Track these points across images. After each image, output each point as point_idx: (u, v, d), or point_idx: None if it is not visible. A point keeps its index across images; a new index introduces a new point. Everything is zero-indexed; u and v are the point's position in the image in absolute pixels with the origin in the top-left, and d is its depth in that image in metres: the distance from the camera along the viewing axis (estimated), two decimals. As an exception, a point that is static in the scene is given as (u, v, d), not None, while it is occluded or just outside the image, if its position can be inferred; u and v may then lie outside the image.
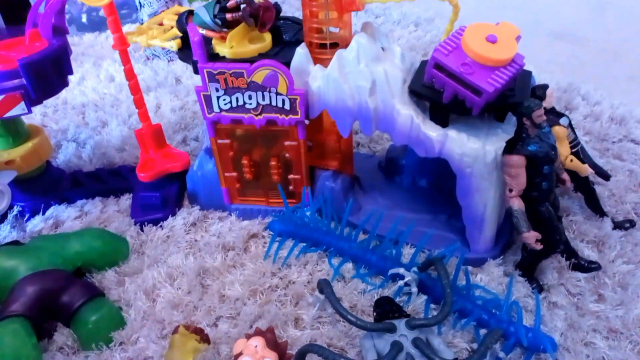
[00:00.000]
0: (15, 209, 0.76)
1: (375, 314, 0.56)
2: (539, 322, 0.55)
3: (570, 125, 0.69)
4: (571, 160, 0.67)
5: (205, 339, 0.54)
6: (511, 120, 0.63)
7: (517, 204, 0.58)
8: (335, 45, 0.63)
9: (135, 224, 0.74)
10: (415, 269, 0.60)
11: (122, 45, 0.68)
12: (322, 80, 0.62)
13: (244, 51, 0.64)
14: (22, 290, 0.57)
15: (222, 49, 0.64)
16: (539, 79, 0.70)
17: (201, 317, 0.60)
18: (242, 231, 0.71)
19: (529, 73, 0.63)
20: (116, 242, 0.68)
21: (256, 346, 0.50)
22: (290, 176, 0.71)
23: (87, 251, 0.65)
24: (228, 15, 0.62)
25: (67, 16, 0.92)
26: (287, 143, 0.68)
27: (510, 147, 0.57)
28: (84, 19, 1.55)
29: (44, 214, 0.77)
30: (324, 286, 0.56)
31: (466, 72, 0.54)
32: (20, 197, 0.77)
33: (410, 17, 1.44)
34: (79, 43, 1.39)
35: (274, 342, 0.50)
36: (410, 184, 0.77)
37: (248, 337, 0.51)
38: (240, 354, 0.49)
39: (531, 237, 0.57)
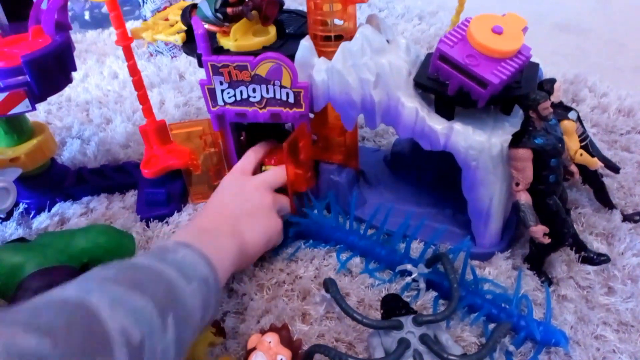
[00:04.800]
0: (21, 206, 0.76)
1: (382, 311, 0.56)
2: (550, 315, 0.55)
3: (578, 119, 0.69)
4: (581, 155, 0.67)
5: (220, 332, 0.54)
6: (518, 113, 0.62)
7: (524, 198, 0.57)
8: (339, 38, 0.62)
9: (141, 220, 0.74)
10: (422, 264, 0.60)
11: (125, 41, 0.68)
12: (327, 72, 0.61)
13: (248, 44, 0.63)
14: (29, 287, 0.57)
15: (226, 41, 0.64)
16: (544, 70, 0.69)
17: (208, 313, 0.60)
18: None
19: (536, 65, 0.62)
20: (122, 239, 0.68)
21: (270, 342, 0.49)
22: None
23: (93, 247, 0.64)
24: (229, 10, 0.62)
25: (69, 13, 0.92)
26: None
27: (517, 140, 0.57)
28: (86, 16, 1.55)
29: (49, 211, 0.77)
30: (329, 285, 0.56)
31: (471, 63, 0.54)
32: (25, 195, 0.77)
33: (413, 10, 1.44)
34: (82, 40, 1.39)
35: (288, 339, 0.50)
36: (416, 177, 0.77)
37: (263, 332, 0.51)
38: (254, 349, 0.49)
39: (539, 231, 0.57)
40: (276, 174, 0.67)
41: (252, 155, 0.69)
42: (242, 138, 0.74)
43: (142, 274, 0.42)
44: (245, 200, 0.63)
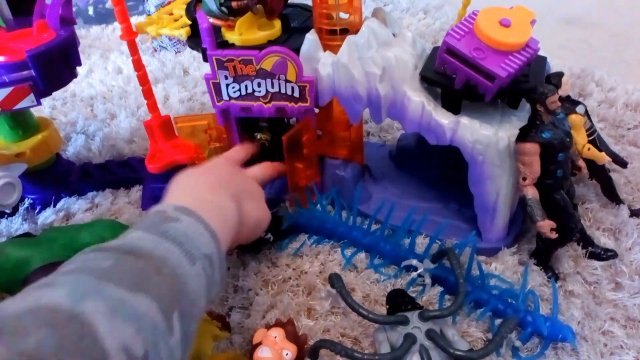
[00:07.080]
0: (26, 202, 0.76)
1: (387, 306, 0.56)
2: (557, 311, 0.54)
3: (586, 113, 0.68)
4: (588, 149, 0.66)
5: (226, 326, 0.54)
6: (525, 107, 0.61)
7: (530, 193, 0.57)
8: (345, 32, 0.62)
9: (146, 215, 0.74)
10: (427, 260, 0.59)
11: (129, 35, 0.67)
12: (332, 66, 0.61)
13: (253, 38, 0.63)
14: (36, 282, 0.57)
15: (231, 36, 0.63)
16: (550, 65, 0.68)
17: (214, 307, 0.60)
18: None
19: (544, 58, 0.62)
20: (127, 234, 0.68)
21: (276, 337, 0.49)
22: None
23: (98, 242, 0.64)
24: (233, 3, 0.62)
25: (74, 9, 0.92)
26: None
27: (524, 135, 0.56)
28: (90, 11, 1.55)
29: (54, 206, 0.77)
30: (335, 280, 0.56)
31: (479, 57, 0.53)
32: (30, 190, 0.77)
33: (418, 4, 1.43)
34: (86, 35, 1.39)
35: (294, 334, 0.50)
36: (422, 172, 0.76)
37: (268, 327, 0.51)
38: (260, 343, 0.49)
39: (545, 225, 0.56)
40: (264, 170, 0.65)
41: (241, 150, 0.67)
42: None
43: (143, 264, 0.37)
44: (242, 181, 0.59)
